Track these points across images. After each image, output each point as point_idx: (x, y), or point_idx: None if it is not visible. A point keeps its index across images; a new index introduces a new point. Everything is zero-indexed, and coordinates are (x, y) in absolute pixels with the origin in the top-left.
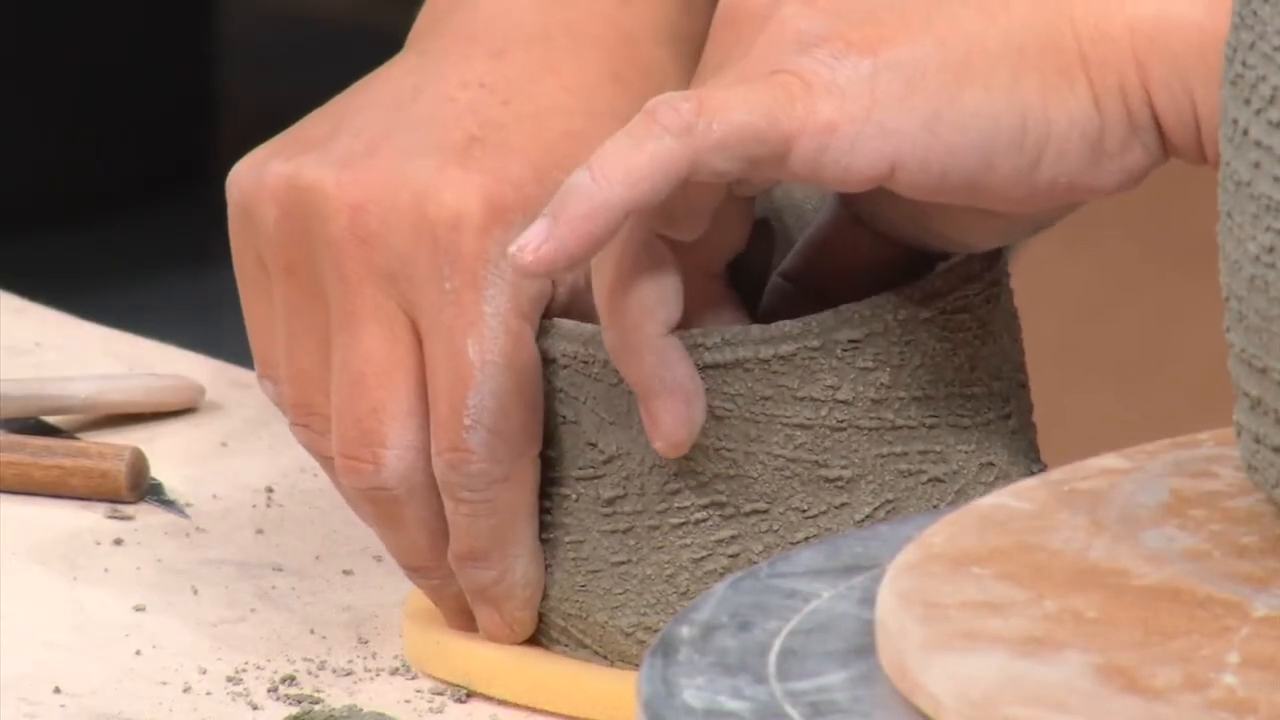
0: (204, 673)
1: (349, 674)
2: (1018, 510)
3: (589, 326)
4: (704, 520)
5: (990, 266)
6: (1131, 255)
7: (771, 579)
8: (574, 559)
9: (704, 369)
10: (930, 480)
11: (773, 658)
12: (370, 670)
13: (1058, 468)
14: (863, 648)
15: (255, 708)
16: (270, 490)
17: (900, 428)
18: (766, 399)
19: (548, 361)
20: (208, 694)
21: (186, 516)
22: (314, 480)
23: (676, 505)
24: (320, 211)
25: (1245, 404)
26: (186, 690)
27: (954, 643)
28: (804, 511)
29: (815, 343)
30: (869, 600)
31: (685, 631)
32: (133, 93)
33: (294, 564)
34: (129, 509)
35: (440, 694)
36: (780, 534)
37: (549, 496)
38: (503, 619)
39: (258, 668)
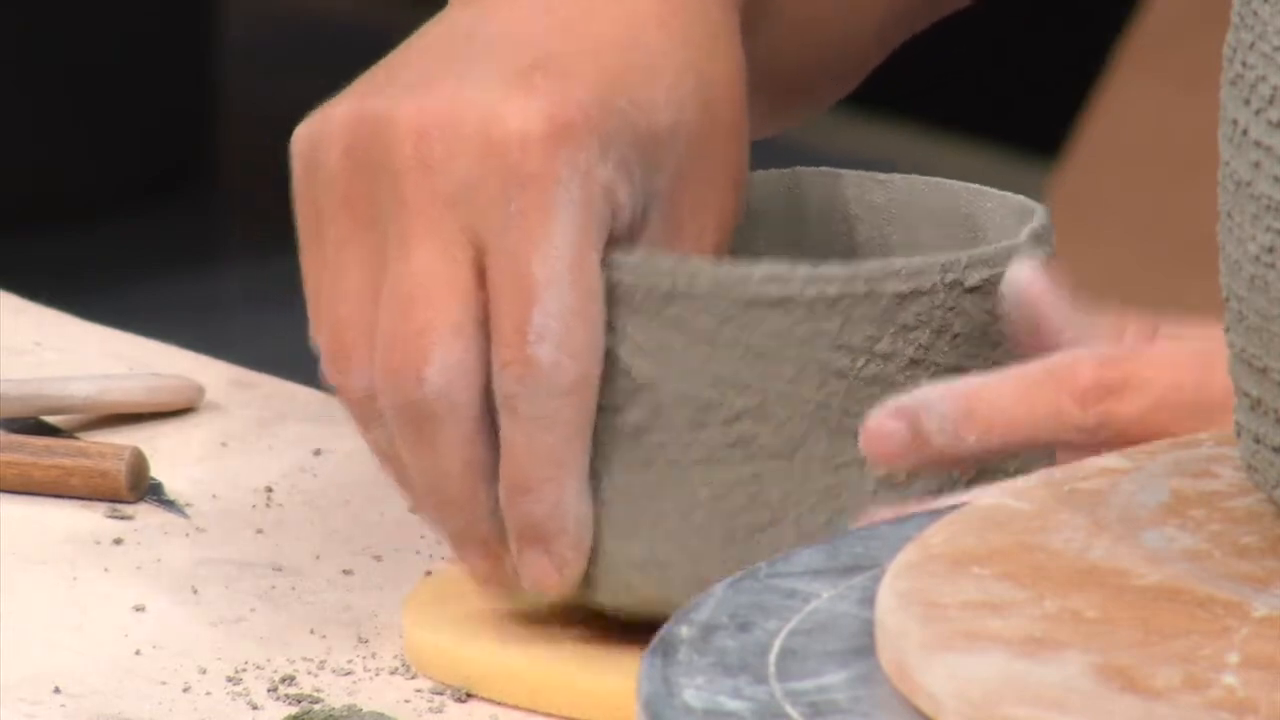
0: (204, 672)
1: (349, 674)
2: (1018, 510)
3: (636, 256)
4: (726, 458)
5: (1040, 244)
6: (1131, 255)
7: (771, 579)
8: (594, 489)
9: (747, 303)
10: None
11: (773, 658)
12: (370, 670)
13: (1058, 467)
14: (863, 648)
15: (255, 707)
16: (270, 490)
17: None
18: (805, 341)
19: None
20: (207, 694)
21: (186, 516)
22: (314, 480)
23: (701, 439)
24: (384, 140)
25: (1245, 404)
26: (186, 690)
27: (954, 643)
28: (827, 461)
29: (861, 289)
30: (869, 600)
31: (685, 631)
32: (133, 93)
33: (294, 564)
34: (129, 509)
35: (440, 694)
36: (800, 481)
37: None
38: (552, 561)
39: (257, 667)
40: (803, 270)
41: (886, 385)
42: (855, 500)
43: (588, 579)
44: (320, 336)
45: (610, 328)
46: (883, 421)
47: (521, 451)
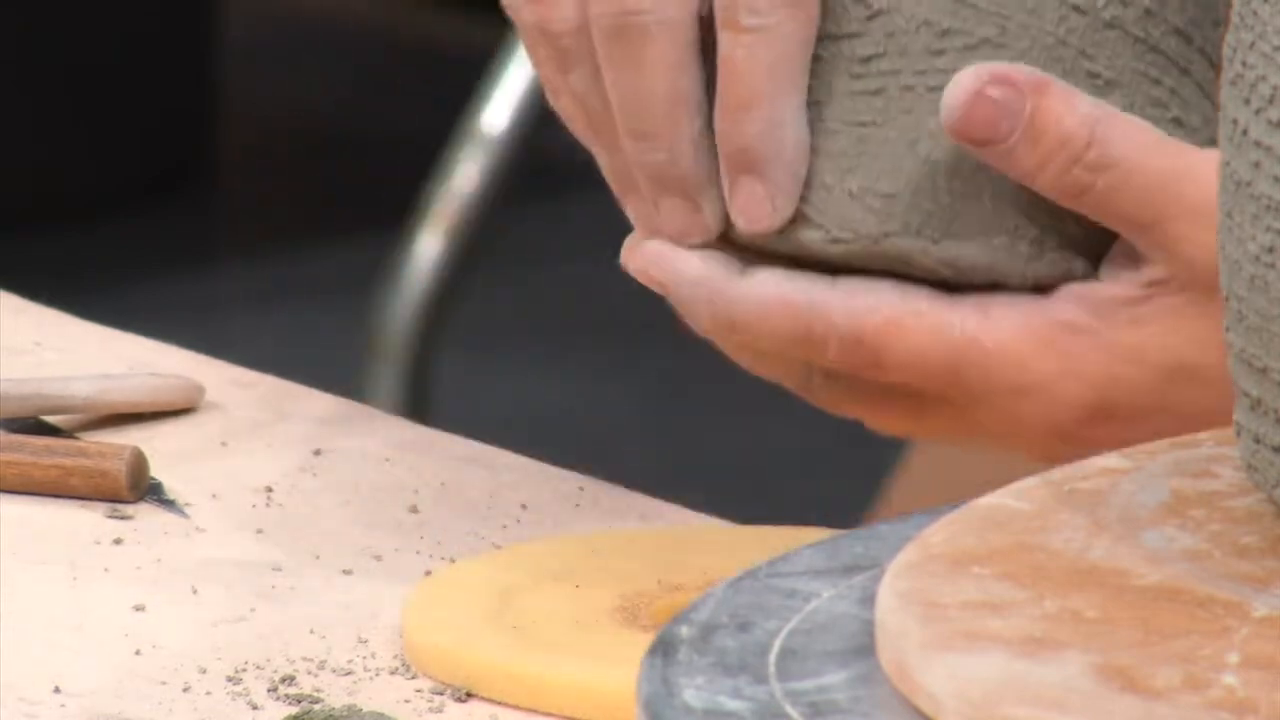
0: (204, 672)
1: (349, 674)
2: (1017, 510)
3: None
4: None
5: None
6: None
7: (771, 579)
8: (811, 120)
9: None
10: (1174, 120)
11: (773, 658)
12: (370, 670)
13: (1058, 468)
14: (863, 648)
15: (255, 707)
16: (270, 490)
17: (1160, 52)
18: None
19: None
20: (207, 694)
21: (186, 516)
22: (314, 480)
23: (937, 67)
24: None
25: (1245, 404)
26: (186, 690)
27: (954, 643)
28: None
29: None
30: (869, 600)
31: (685, 631)
32: (133, 93)
33: (294, 564)
34: (129, 509)
35: (440, 694)
36: None
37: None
38: (765, 189)
39: (257, 667)
40: None
41: (1122, 33)
42: None
43: (803, 216)
44: None
45: None
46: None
47: (740, 66)
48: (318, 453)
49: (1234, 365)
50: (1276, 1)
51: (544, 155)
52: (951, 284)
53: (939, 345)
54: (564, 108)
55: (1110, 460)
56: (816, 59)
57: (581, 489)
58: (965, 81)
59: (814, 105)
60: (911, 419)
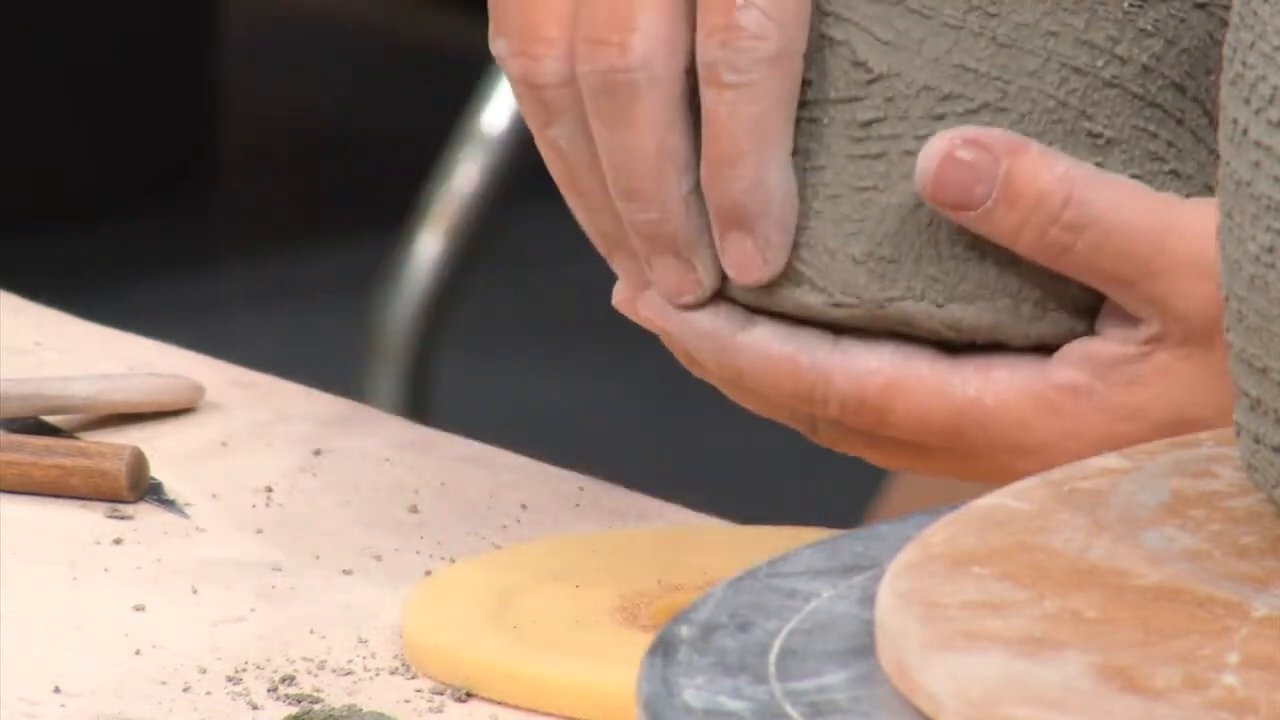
0: (204, 672)
1: (349, 674)
2: (1017, 510)
3: None
4: None
5: None
6: None
7: (771, 579)
8: (813, 184)
9: None
10: (1170, 172)
11: (773, 658)
12: (370, 670)
13: (1058, 468)
14: (863, 648)
15: (255, 707)
16: (270, 490)
17: (1158, 107)
18: (1052, 34)
19: None
20: (207, 694)
21: (186, 516)
22: (314, 480)
23: (938, 131)
24: None
25: (1245, 404)
26: (186, 690)
27: (954, 643)
28: None
29: None
30: (869, 600)
31: (685, 631)
32: (133, 93)
33: (294, 564)
34: (129, 509)
35: (440, 694)
36: None
37: (796, 124)
38: (755, 244)
39: (257, 667)
40: None
41: (1122, 91)
42: None
43: (805, 279)
44: (508, 25)
45: (841, 19)
46: None
47: (723, 123)
48: (318, 453)
49: (1234, 365)
50: (1276, 1)
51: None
52: (953, 344)
53: (941, 406)
54: (544, 156)
55: (1110, 460)
56: (817, 122)
57: (581, 489)
58: (936, 145)
59: (816, 169)
60: (914, 464)
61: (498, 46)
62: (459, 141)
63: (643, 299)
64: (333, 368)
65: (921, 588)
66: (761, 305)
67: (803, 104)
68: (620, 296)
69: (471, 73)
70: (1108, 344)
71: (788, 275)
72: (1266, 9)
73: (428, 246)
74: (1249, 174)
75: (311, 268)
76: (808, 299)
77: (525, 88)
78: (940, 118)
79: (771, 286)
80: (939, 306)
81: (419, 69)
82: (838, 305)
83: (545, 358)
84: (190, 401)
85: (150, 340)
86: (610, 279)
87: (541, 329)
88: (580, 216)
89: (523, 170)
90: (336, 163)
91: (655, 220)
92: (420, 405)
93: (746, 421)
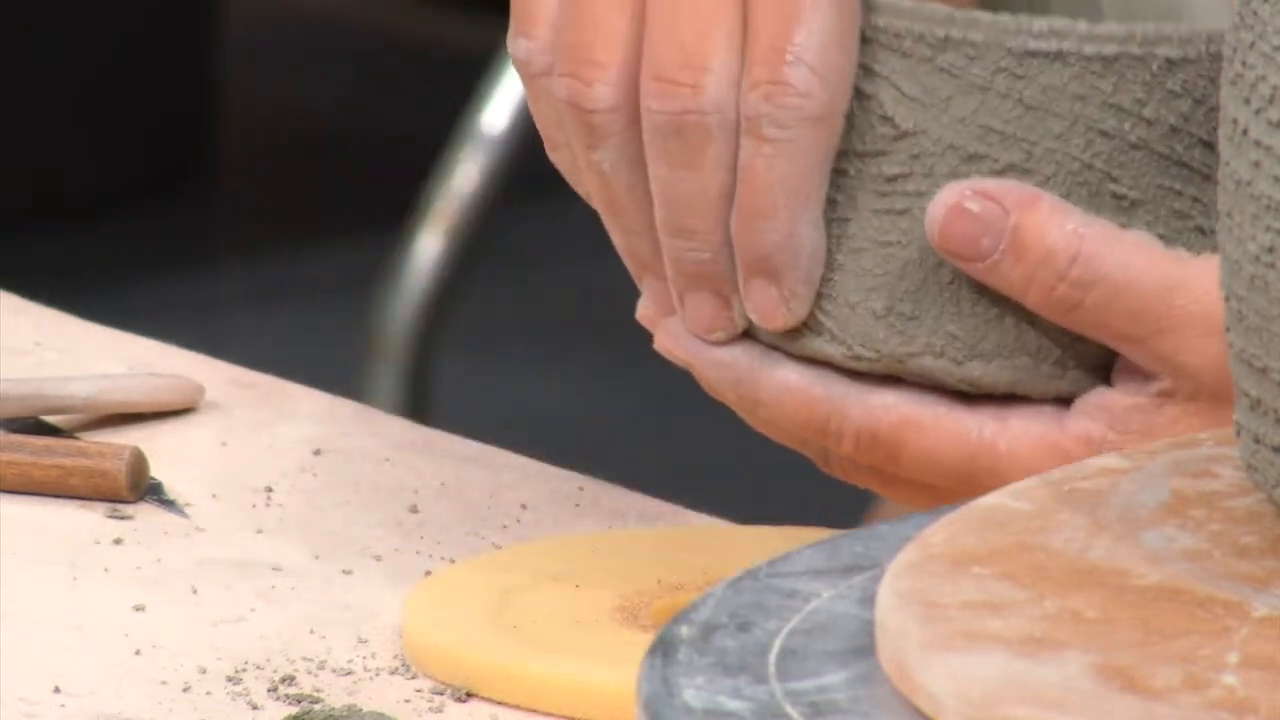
0: (204, 672)
1: (349, 674)
2: (1018, 510)
3: (906, 4)
4: None
5: None
6: None
7: (771, 579)
8: (836, 236)
9: (1025, 54)
10: (1195, 229)
11: (773, 658)
12: (370, 670)
13: (1058, 468)
14: (863, 648)
15: (255, 707)
16: (270, 490)
17: (1185, 165)
18: (1079, 98)
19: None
20: (207, 694)
21: (186, 516)
22: (314, 480)
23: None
24: None
25: (1245, 404)
26: (186, 690)
27: (954, 643)
28: None
29: (1137, 51)
30: (869, 600)
31: (685, 631)
32: (133, 93)
33: (294, 564)
34: (129, 509)
35: (440, 694)
36: None
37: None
38: (780, 294)
39: (257, 667)
40: (1081, 26)
41: (1148, 152)
42: None
43: (825, 329)
44: (561, 42)
45: (870, 73)
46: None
47: (761, 176)
48: (318, 453)
49: (1234, 365)
50: (1276, 1)
51: (544, 155)
52: (970, 395)
53: (955, 446)
54: (580, 181)
55: (1110, 460)
56: (843, 174)
57: (581, 489)
58: (946, 196)
59: (840, 221)
60: (922, 502)
61: (518, 48)
62: (459, 141)
63: (663, 327)
64: (333, 368)
65: (921, 588)
66: (782, 349)
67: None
68: (645, 312)
69: (471, 73)
70: (1122, 395)
71: (809, 325)
72: (1266, 9)
73: (428, 246)
74: (1249, 174)
75: (311, 268)
76: (828, 349)
77: (572, 110)
78: (964, 177)
79: (793, 334)
80: (958, 364)
81: (419, 69)
82: (857, 358)
83: (545, 358)
84: (190, 401)
85: (150, 340)
86: (610, 280)
87: (541, 329)
88: (616, 238)
89: (523, 170)
90: (336, 163)
91: (706, 260)
92: (420, 405)
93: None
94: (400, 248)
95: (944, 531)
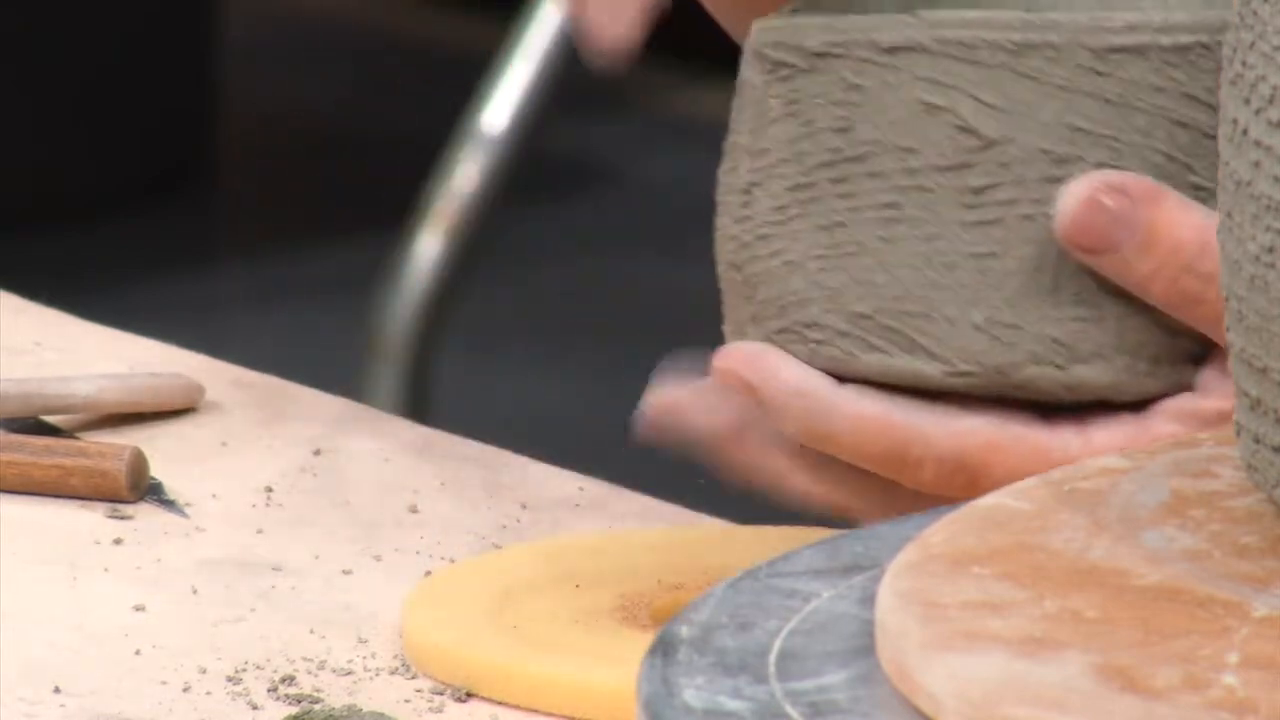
0: (204, 672)
1: (349, 674)
2: (1018, 510)
3: (972, 13)
4: None
5: None
6: None
7: (771, 579)
8: (925, 253)
9: (1106, 51)
10: None
11: (773, 658)
12: (370, 670)
13: (1058, 468)
14: (863, 648)
15: (255, 707)
16: (270, 490)
17: None
18: (1159, 90)
19: (915, 50)
20: (207, 694)
21: (186, 516)
22: (314, 480)
23: (1054, 194)
24: None
25: (1245, 404)
26: (186, 690)
27: (954, 643)
28: None
29: (1207, 40)
30: (869, 600)
31: (685, 631)
32: (133, 93)
33: (294, 564)
34: (129, 509)
35: (440, 694)
36: None
37: (901, 192)
38: None
39: (257, 667)
40: (1155, 18)
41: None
42: None
43: (920, 349)
44: None
45: (943, 86)
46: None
47: None
48: (318, 453)
49: (1234, 365)
50: (1276, 1)
51: (544, 155)
52: (1047, 406)
53: (1040, 467)
54: None
55: (1110, 460)
56: (925, 190)
57: (581, 489)
58: (1078, 190)
59: (929, 238)
60: None
61: None
62: (459, 141)
63: (735, 351)
64: (333, 368)
65: (921, 588)
66: (870, 377)
67: (908, 171)
68: (655, 403)
69: (471, 73)
70: (1205, 398)
71: (900, 345)
72: (1266, 9)
73: (428, 246)
74: (1249, 174)
75: (311, 268)
76: (924, 369)
77: None
78: (1056, 180)
79: (885, 356)
80: (1061, 369)
81: (419, 69)
82: (957, 374)
83: (545, 358)
84: (190, 401)
85: (150, 340)
86: (610, 280)
87: (541, 329)
88: None
89: (523, 170)
90: (336, 163)
91: None
92: (420, 405)
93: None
94: (400, 248)
95: (944, 531)
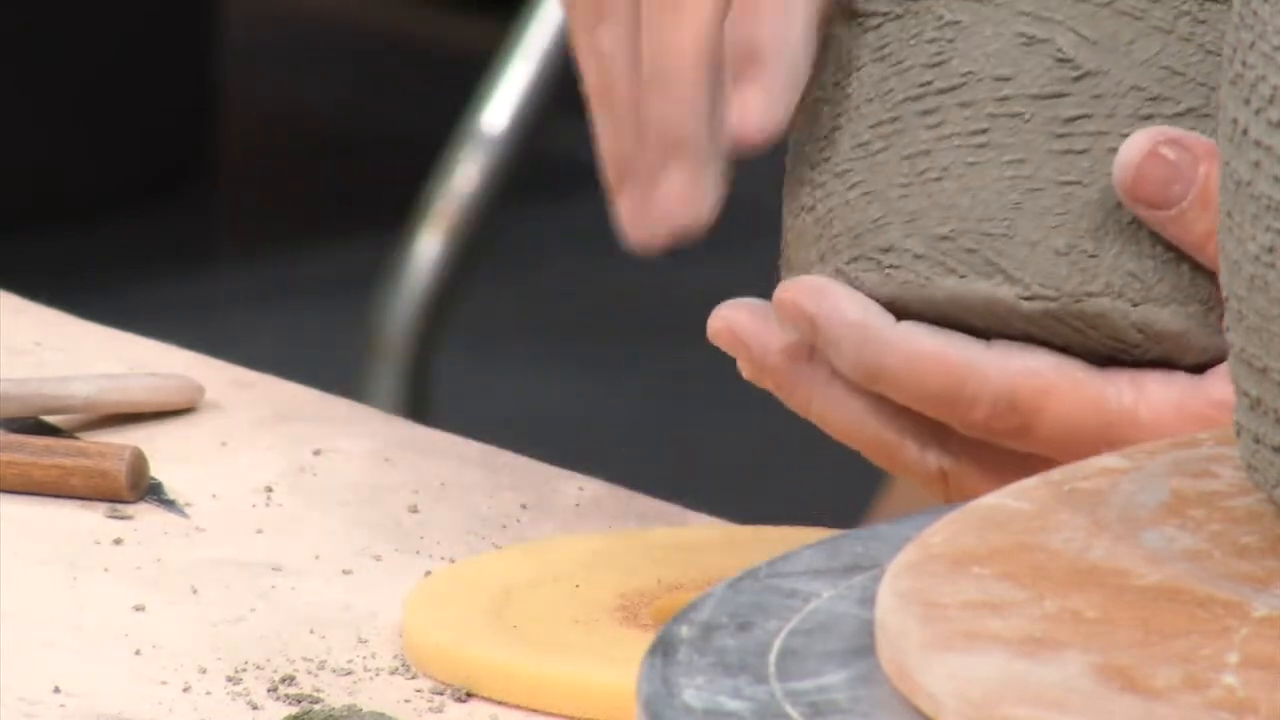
0: (204, 672)
1: (349, 674)
2: (1017, 510)
3: None
4: None
5: None
6: None
7: (771, 579)
8: (1011, 177)
9: (1207, 0)
10: None
11: (773, 658)
12: (370, 670)
13: (1058, 468)
14: (863, 648)
15: (255, 707)
16: (270, 490)
17: None
18: None
19: None
20: (207, 694)
21: (186, 516)
22: (314, 480)
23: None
24: None
25: (1245, 404)
26: (186, 690)
27: (954, 643)
28: None
29: None
30: (869, 600)
31: (685, 631)
32: (133, 93)
33: (294, 564)
34: (129, 509)
35: (440, 694)
36: None
37: (991, 119)
38: (765, 94)
39: (257, 667)
40: None
41: None
42: None
43: (998, 270)
44: None
45: (1040, 19)
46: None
47: None
48: (318, 453)
49: (1234, 365)
50: (1276, 1)
51: (544, 155)
52: (1107, 357)
53: (1094, 415)
54: (584, 65)
55: (1110, 460)
56: (1016, 117)
57: (581, 489)
58: (1139, 140)
59: (1015, 163)
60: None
61: None
62: (459, 141)
63: (799, 282)
64: (333, 368)
65: (921, 588)
66: (939, 304)
67: (1000, 100)
68: (720, 320)
69: (471, 73)
70: None
71: (977, 268)
72: (1266, 9)
73: (428, 246)
74: (1249, 174)
75: (311, 268)
76: (999, 292)
77: None
78: (1147, 118)
79: (961, 280)
80: (1134, 305)
81: (419, 69)
82: (1032, 298)
83: (545, 358)
84: (190, 401)
85: (150, 340)
86: (610, 279)
87: (541, 329)
88: (603, 137)
89: (523, 170)
90: (336, 163)
91: (686, 121)
92: (420, 405)
93: (746, 421)
94: (400, 248)
95: (944, 531)
